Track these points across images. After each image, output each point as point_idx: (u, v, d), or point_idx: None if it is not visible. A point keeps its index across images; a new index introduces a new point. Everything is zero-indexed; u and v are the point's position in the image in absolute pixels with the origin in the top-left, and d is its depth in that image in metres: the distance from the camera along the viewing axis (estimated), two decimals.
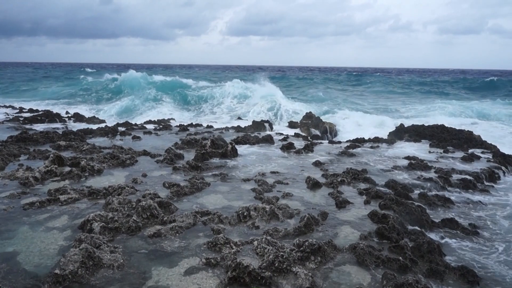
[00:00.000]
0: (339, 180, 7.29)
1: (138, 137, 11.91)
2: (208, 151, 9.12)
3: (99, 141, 11.32)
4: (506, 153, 10.89)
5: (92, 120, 17.52)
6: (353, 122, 19.99)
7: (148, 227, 4.96)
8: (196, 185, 6.69)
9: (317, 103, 29.24)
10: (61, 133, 11.91)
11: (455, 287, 4.25)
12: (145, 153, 9.22)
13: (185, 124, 15.56)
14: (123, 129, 13.73)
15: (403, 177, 8.07)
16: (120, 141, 11.43)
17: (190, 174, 7.59)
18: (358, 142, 12.29)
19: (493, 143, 12.93)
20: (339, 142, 12.35)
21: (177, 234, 4.81)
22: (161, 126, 15.22)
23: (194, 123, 16.30)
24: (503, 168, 9.42)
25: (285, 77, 63.94)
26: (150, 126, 15.32)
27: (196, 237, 4.78)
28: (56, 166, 7.32)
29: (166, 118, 19.16)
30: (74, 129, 13.24)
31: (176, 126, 15.32)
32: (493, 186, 8.13)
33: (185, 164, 8.08)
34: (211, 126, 15.83)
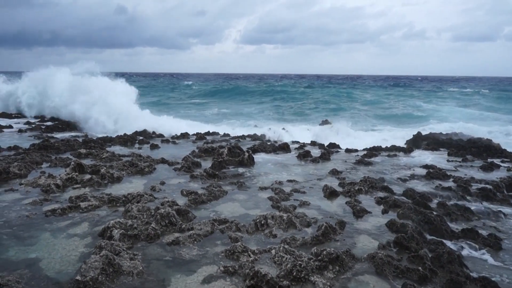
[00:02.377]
0: (356, 188, 7.26)
1: (156, 145, 12.05)
2: (225, 159, 9.18)
3: (118, 149, 11.49)
4: None
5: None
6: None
7: (166, 235, 5.02)
8: (214, 193, 6.74)
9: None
10: (81, 141, 12.13)
11: None
12: (163, 161, 9.32)
13: (202, 133, 15.68)
14: (141, 137, 13.91)
15: (421, 186, 7.99)
16: (138, 149, 11.59)
17: (208, 182, 7.64)
18: (375, 150, 12.21)
19: None
20: (356, 150, 12.28)
21: (195, 242, 4.85)
22: (178, 135, 15.37)
23: (211, 131, 16.41)
24: None
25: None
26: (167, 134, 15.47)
27: (214, 245, 4.82)
28: (76, 173, 7.47)
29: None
30: (94, 137, 13.47)
31: (194, 134, 15.45)
32: None
33: (202, 172, 8.15)
34: (228, 134, 15.92)
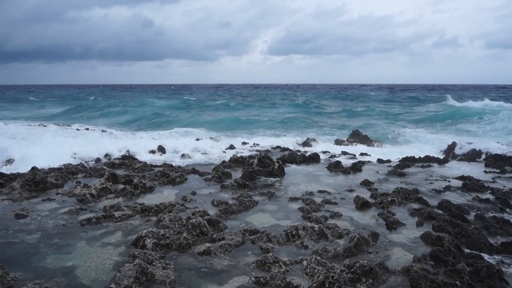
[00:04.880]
0: (389, 200, 7.11)
1: (187, 155, 12.20)
2: (255, 170, 9.19)
3: (150, 159, 11.70)
4: None
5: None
6: None
7: (198, 244, 5.05)
8: (244, 204, 6.75)
9: None
10: None
11: None
12: (194, 171, 9.43)
13: (232, 143, 15.79)
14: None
15: (457, 198, 7.74)
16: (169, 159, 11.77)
17: (238, 192, 7.66)
18: (408, 161, 11.94)
19: None
20: (389, 161, 12.05)
21: (226, 252, 4.86)
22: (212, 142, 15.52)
23: (242, 142, 16.50)
24: None
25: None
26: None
27: (245, 256, 4.81)
28: (110, 183, 7.65)
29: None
30: None
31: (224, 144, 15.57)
32: None
33: (232, 183, 8.18)
34: (258, 144, 15.96)
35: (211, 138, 17.88)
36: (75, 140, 14.92)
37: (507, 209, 7.28)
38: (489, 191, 8.20)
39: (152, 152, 12.78)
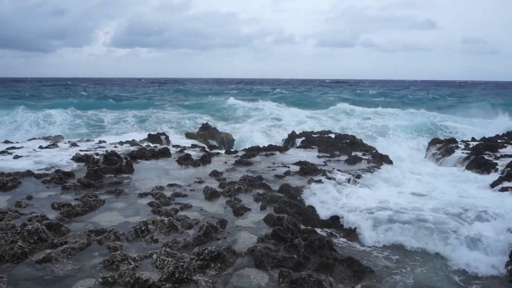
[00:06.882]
0: (236, 188, 7.50)
1: (21, 157, 10.92)
2: (101, 167, 8.73)
3: None
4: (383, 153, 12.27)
5: None
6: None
7: (36, 252, 4.63)
8: (89, 204, 6.38)
9: None
10: None
11: (343, 277, 4.66)
12: (29, 173, 8.50)
13: (75, 141, 14.67)
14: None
15: (295, 181, 8.56)
16: None
17: (82, 192, 7.20)
18: (253, 150, 12.69)
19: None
20: (236, 152, 12.65)
21: (70, 256, 4.56)
22: (49, 143, 14.13)
23: (85, 139, 15.44)
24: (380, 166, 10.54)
25: None
26: (33, 143, 14.12)
27: (91, 257, 4.58)
28: None
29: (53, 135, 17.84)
30: None
31: (66, 142, 14.36)
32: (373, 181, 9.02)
33: (76, 183, 7.65)
34: (104, 141, 15.12)
35: (49, 136, 16.31)
36: None
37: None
38: (321, 173, 9.26)
39: None
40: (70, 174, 8.42)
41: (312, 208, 6.49)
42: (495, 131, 18.41)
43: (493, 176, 9.30)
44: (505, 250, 5.52)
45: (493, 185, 8.57)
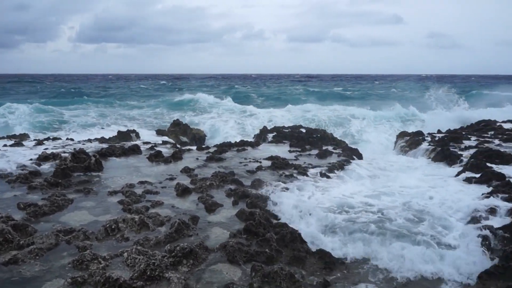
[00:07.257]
0: (207, 184, 7.48)
1: None
2: (69, 166, 8.52)
3: None
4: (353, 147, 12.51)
5: None
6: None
7: (1, 254, 4.50)
8: (57, 203, 6.22)
9: None
10: None
11: (314, 270, 4.74)
12: None
13: (41, 139, 14.24)
14: None
15: (267, 175, 8.61)
16: None
17: (50, 192, 7.02)
18: (225, 146, 12.66)
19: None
20: (208, 148, 12.60)
21: (37, 257, 4.45)
22: (13, 142, 13.66)
23: (51, 137, 15.00)
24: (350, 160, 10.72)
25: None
26: None
27: (60, 258, 4.49)
28: None
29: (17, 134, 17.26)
30: None
31: (31, 140, 13.93)
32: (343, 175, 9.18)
33: (43, 182, 7.44)
34: (72, 139, 14.75)
35: (14, 135, 15.79)
36: None
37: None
38: (293, 167, 9.35)
39: None
40: (36, 173, 8.19)
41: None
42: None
43: (459, 168, 9.63)
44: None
45: (457, 175, 8.88)
